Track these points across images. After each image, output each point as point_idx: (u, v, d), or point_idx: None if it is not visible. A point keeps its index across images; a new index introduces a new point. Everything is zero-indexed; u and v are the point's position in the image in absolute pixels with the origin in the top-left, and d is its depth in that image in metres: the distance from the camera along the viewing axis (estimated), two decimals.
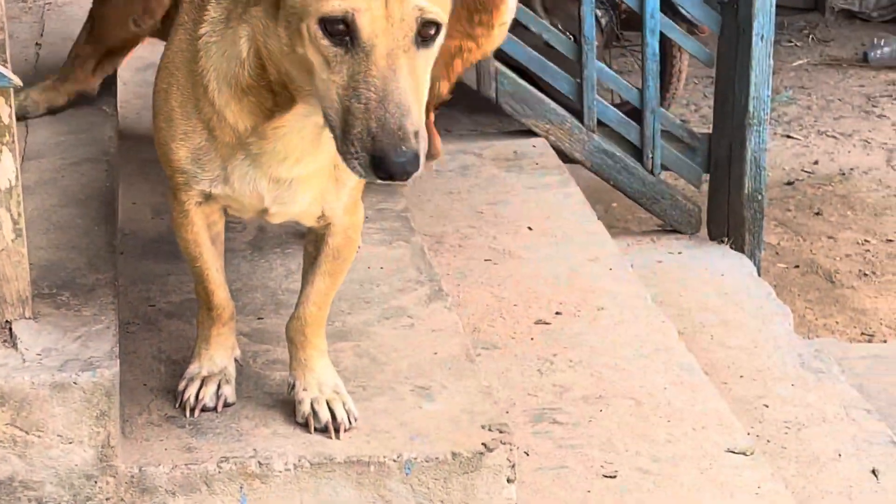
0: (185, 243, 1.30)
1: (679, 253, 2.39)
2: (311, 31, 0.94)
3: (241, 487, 1.18)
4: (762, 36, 2.25)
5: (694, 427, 1.67)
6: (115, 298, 1.33)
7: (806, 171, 3.18)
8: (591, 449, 1.60)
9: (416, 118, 0.93)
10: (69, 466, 1.17)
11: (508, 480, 1.26)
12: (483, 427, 1.28)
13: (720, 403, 1.76)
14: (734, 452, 1.62)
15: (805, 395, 1.99)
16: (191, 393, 1.26)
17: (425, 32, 0.94)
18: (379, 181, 0.96)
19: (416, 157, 0.91)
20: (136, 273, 1.62)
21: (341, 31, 0.93)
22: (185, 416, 1.26)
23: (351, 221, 1.30)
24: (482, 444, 1.24)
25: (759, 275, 2.43)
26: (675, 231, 2.51)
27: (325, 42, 0.94)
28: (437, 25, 0.96)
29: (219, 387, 1.28)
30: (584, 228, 2.21)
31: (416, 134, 0.91)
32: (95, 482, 1.19)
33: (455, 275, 2.05)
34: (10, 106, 1.14)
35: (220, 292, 1.31)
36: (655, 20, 2.38)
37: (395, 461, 1.20)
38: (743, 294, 2.28)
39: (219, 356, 1.30)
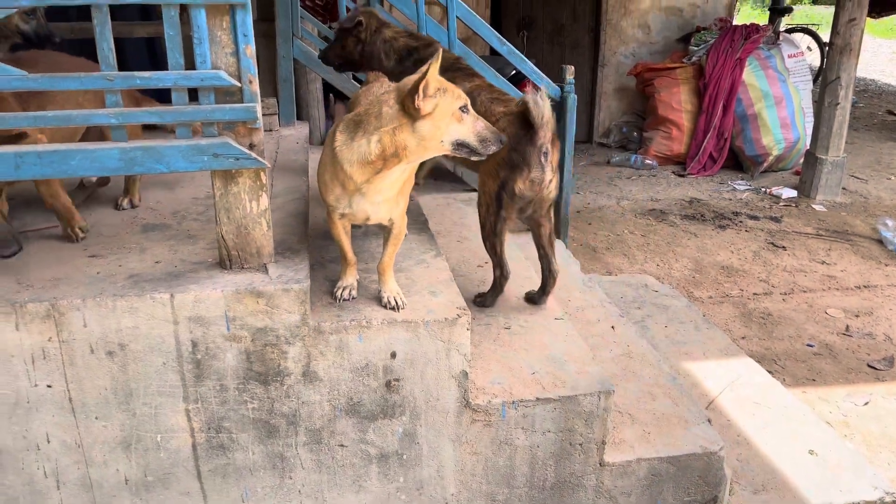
0: (335, 234, 2.30)
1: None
2: (455, 114, 1.98)
3: (359, 333, 2.21)
4: (568, 151, 4.17)
5: (542, 310, 2.94)
6: (308, 255, 2.36)
7: (585, 207, 6.40)
8: (498, 317, 2.84)
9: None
10: (289, 321, 2.13)
11: (467, 329, 2.25)
12: (457, 307, 2.28)
13: (552, 301, 3.05)
14: (557, 319, 2.72)
15: (584, 296, 3.50)
16: (339, 293, 2.32)
17: None
18: (501, 146, 2.06)
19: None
20: (316, 245, 2.74)
21: (465, 109, 2.01)
22: (337, 303, 2.31)
23: (402, 222, 2.29)
24: (457, 314, 2.25)
25: (567, 248, 4.38)
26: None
27: (461, 115, 2.00)
28: None
29: (350, 291, 2.34)
30: None
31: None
32: (299, 328, 2.14)
33: (445, 246, 3.43)
34: (265, 174, 2.14)
35: (350, 254, 2.34)
36: None
37: (421, 321, 2.22)
38: (562, 254, 4.05)
39: (350, 278, 2.35)
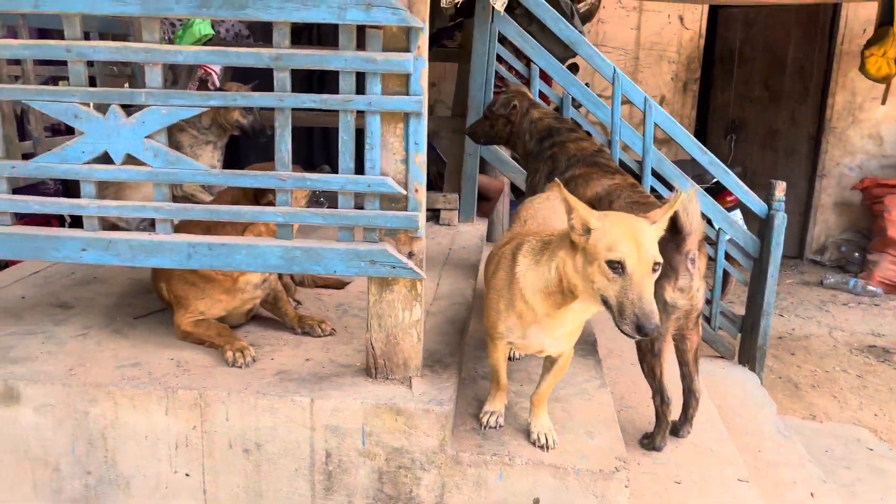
0: (493, 358, 2.11)
1: (723, 368, 4.00)
2: (601, 266, 1.67)
3: (501, 470, 1.99)
4: (772, 274, 3.64)
5: (721, 464, 2.59)
6: (459, 371, 2.24)
7: (788, 334, 5.57)
8: (669, 464, 2.50)
9: (655, 310, 1.60)
10: (426, 445, 1.99)
11: (625, 486, 1.95)
12: (616, 457, 1.99)
13: (733, 452, 2.71)
14: (741, 480, 2.25)
15: (778, 448, 3.03)
16: (484, 419, 2.12)
17: (654, 267, 1.68)
18: (639, 337, 1.64)
19: (657, 326, 1.61)
20: (471, 356, 2.59)
21: (616, 266, 1.67)
22: (481, 429, 2.11)
23: (569, 353, 2.07)
24: (615, 466, 1.95)
25: (761, 383, 3.92)
26: (723, 357, 4.15)
27: (608, 271, 1.67)
28: (659, 264, 1.68)
29: (497, 418, 2.13)
30: None
31: (657, 315, 1.61)
32: (436, 455, 1.99)
33: (615, 368, 3.25)
34: (422, 284, 2.06)
35: (503, 380, 2.14)
36: (721, 264, 3.88)
37: (571, 468, 1.95)
38: (752, 391, 3.72)
39: (499, 404, 2.15)
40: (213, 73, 4.54)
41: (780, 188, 3.87)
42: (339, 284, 2.95)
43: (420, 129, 1.92)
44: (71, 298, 2.73)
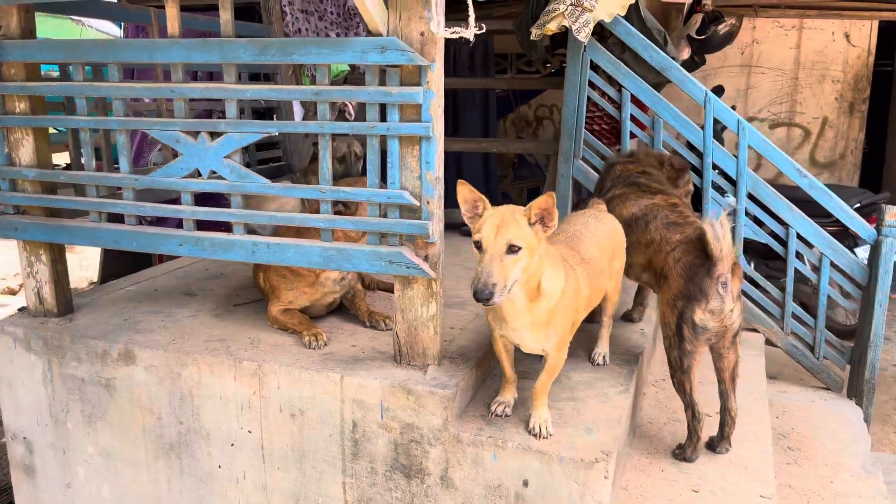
0: (495, 350, 2.37)
1: (825, 400, 3.87)
2: (474, 247, 2.00)
3: (494, 451, 2.22)
4: (880, 303, 3.69)
5: (748, 480, 2.61)
6: (479, 364, 2.51)
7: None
8: (692, 474, 2.59)
9: (494, 281, 1.89)
10: (432, 423, 2.26)
11: (605, 477, 2.08)
12: (602, 451, 2.13)
13: (768, 474, 2.71)
14: (763, 497, 2.45)
15: (853, 481, 3.09)
16: (493, 407, 2.36)
17: (511, 249, 1.95)
18: (476, 300, 1.91)
19: (491, 294, 1.89)
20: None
21: (479, 245, 1.99)
22: (489, 416, 2.34)
23: (558, 354, 2.26)
24: (595, 458, 2.10)
25: (866, 418, 3.77)
26: (828, 389, 3.99)
27: (475, 250, 2.00)
28: (518, 247, 1.94)
29: (505, 408, 2.36)
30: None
31: (494, 286, 1.89)
32: (440, 433, 2.26)
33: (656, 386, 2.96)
34: (437, 283, 2.40)
35: (508, 371, 2.37)
36: (825, 290, 3.84)
37: (556, 455, 2.13)
38: (848, 425, 3.59)
39: (508, 395, 2.38)
40: (349, 104, 5.17)
41: (891, 213, 3.66)
42: None
43: (431, 151, 2.25)
44: (197, 289, 3.37)
